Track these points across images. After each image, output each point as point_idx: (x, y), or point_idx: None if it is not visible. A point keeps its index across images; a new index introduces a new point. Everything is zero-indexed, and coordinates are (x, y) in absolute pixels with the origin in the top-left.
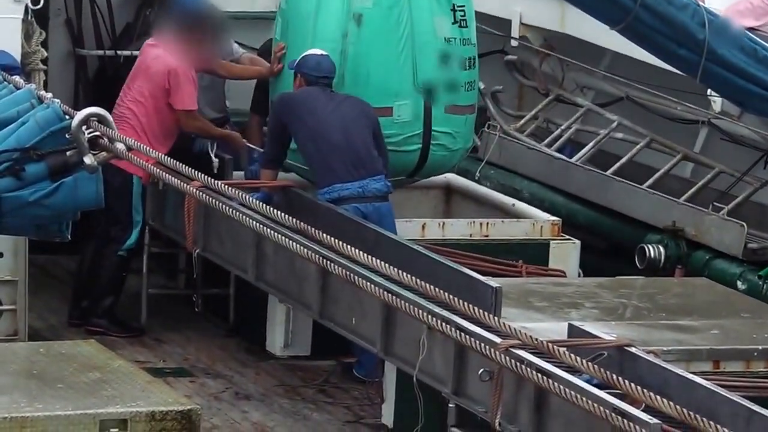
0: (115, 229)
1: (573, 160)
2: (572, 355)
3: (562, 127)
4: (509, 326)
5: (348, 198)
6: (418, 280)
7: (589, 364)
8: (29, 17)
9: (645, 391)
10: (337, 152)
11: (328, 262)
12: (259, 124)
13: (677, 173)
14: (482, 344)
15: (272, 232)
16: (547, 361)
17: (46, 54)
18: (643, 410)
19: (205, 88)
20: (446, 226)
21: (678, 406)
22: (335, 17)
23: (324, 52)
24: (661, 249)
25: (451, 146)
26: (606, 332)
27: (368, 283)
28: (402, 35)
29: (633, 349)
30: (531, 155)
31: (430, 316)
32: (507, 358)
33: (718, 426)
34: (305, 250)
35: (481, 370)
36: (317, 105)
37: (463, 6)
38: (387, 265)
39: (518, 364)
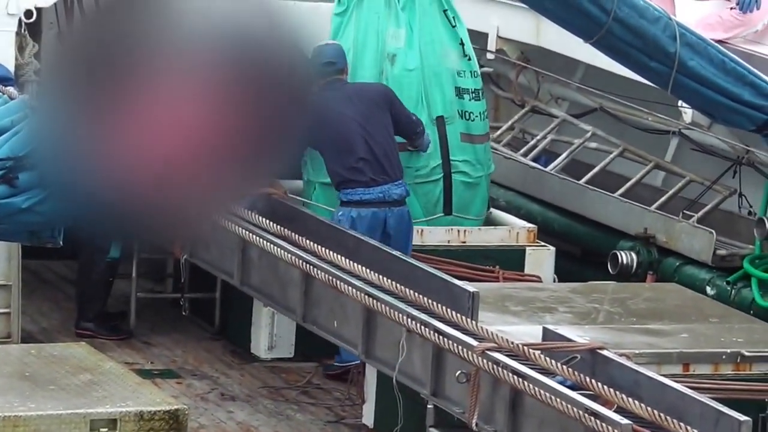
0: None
1: (548, 169)
2: (546, 357)
3: (538, 138)
4: (486, 330)
5: (369, 202)
6: (397, 285)
7: (563, 366)
8: (22, 30)
9: (617, 392)
10: (362, 161)
11: (311, 267)
12: None
13: (649, 182)
14: (460, 347)
15: (257, 238)
16: (522, 364)
17: (39, 66)
18: (614, 411)
19: None
20: (425, 233)
21: (649, 408)
22: (372, 57)
23: (330, 41)
24: (633, 255)
25: (472, 173)
26: (579, 335)
27: (350, 288)
28: (423, 71)
29: (605, 352)
30: (507, 164)
31: (409, 320)
32: (483, 360)
33: (688, 427)
34: (289, 255)
35: (459, 372)
36: (337, 113)
37: (465, 41)
38: (368, 270)
39: (494, 366)
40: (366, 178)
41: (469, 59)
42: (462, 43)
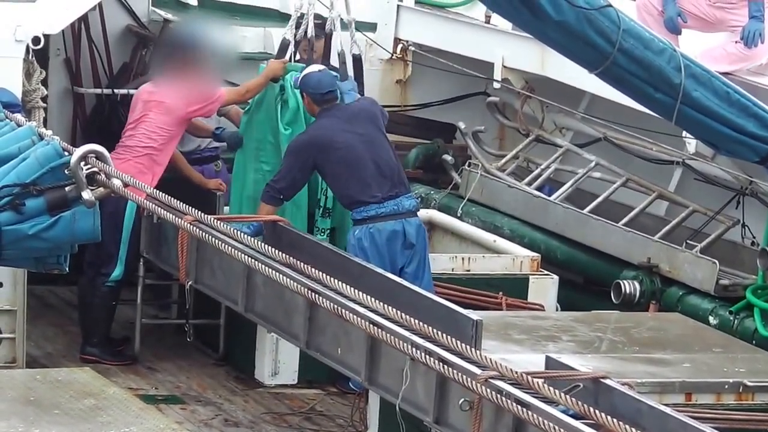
0: (102, 261)
1: (552, 198)
2: (549, 386)
3: (542, 167)
4: (489, 358)
5: (384, 216)
6: (401, 313)
7: (565, 395)
8: (30, 57)
9: (619, 422)
10: (371, 180)
11: (316, 294)
12: None
13: (652, 212)
14: (463, 375)
15: (262, 265)
16: (525, 392)
17: (45, 92)
18: None
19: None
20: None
21: None
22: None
23: (322, 67)
24: (636, 284)
25: None
26: (582, 364)
27: (354, 316)
28: None
29: (608, 381)
30: (511, 193)
31: (413, 348)
32: (486, 389)
33: None
34: (293, 282)
35: (462, 400)
36: (338, 138)
37: None
38: (372, 298)
39: (497, 394)
40: (378, 196)
41: None
42: None
